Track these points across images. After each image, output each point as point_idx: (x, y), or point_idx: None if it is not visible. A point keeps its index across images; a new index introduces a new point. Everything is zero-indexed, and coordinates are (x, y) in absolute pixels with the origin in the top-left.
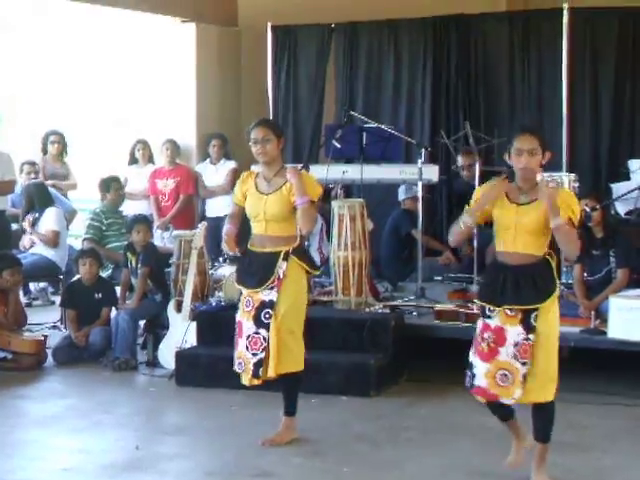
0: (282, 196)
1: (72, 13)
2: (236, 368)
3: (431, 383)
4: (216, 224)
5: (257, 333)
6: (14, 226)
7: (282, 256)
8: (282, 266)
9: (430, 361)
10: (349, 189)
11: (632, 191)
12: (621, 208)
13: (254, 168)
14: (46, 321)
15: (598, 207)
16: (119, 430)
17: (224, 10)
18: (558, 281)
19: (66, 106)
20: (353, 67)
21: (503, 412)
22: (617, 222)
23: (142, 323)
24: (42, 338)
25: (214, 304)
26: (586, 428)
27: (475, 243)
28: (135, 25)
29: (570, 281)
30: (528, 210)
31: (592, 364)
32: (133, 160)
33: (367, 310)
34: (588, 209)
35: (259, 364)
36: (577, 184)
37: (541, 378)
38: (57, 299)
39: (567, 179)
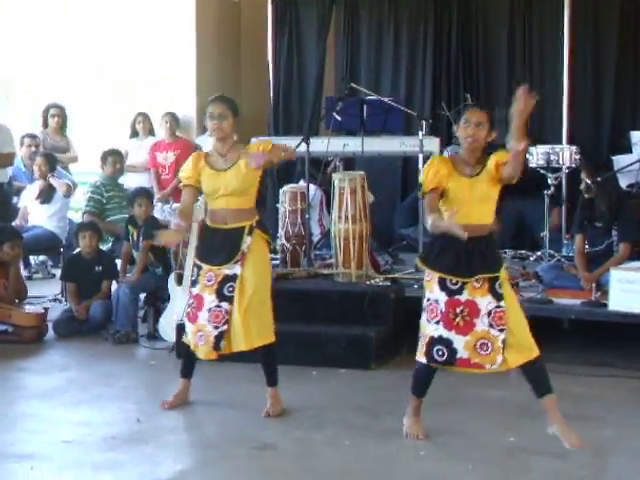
0: (239, 170)
1: None
2: (196, 341)
3: None
4: None
5: (219, 306)
6: (15, 199)
7: (247, 231)
8: (247, 241)
9: None
10: (349, 161)
11: (634, 163)
12: (623, 181)
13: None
14: (47, 294)
15: (599, 179)
16: (120, 403)
17: None
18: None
19: (67, 79)
20: (354, 39)
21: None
22: (622, 195)
23: (143, 296)
24: (43, 311)
25: None
26: (586, 399)
27: None
28: None
29: (571, 253)
30: (479, 181)
31: (593, 336)
32: (134, 133)
33: (368, 283)
34: (589, 181)
35: (220, 337)
36: (579, 156)
37: (523, 339)
38: (57, 272)
39: (568, 151)
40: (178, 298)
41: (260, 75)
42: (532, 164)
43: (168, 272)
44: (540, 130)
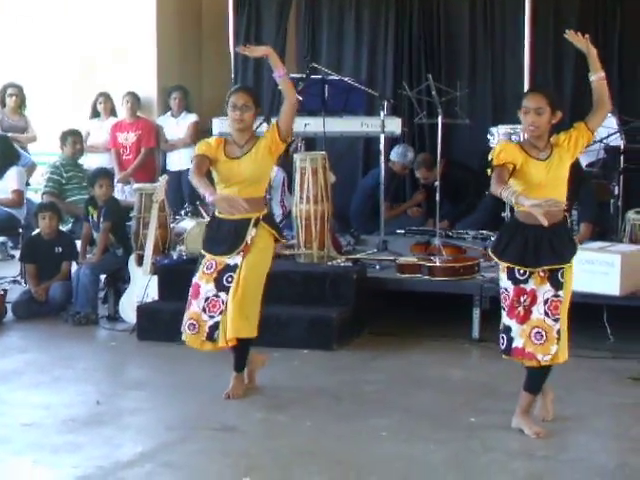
0: (255, 156)
1: None
2: (186, 329)
3: (393, 336)
4: (177, 177)
5: (217, 296)
6: None
7: (252, 222)
8: (251, 232)
9: (392, 314)
10: (311, 142)
11: (594, 143)
12: (583, 160)
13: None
14: (6, 276)
15: None
16: (80, 385)
17: None
18: None
19: (25, 58)
20: (315, 19)
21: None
22: (584, 176)
23: (103, 277)
24: (1, 293)
25: (175, 258)
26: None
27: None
28: None
29: None
30: (553, 164)
31: None
32: (95, 113)
33: (329, 263)
34: None
35: (215, 327)
36: None
37: (563, 336)
38: (17, 253)
39: None
40: (138, 279)
41: (221, 55)
42: (493, 144)
43: (129, 253)
44: (501, 111)
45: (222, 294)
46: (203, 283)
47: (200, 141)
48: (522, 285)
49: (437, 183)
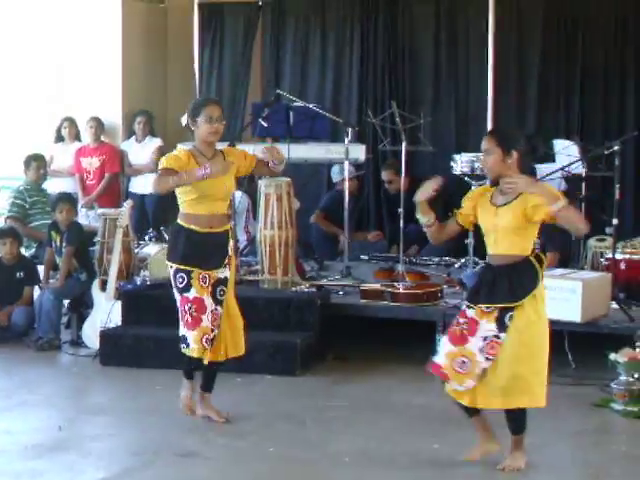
0: (231, 172)
1: None
2: (203, 344)
3: (356, 361)
4: (141, 202)
5: (216, 309)
6: None
7: (229, 234)
8: (230, 244)
9: (356, 340)
10: None
11: (556, 171)
12: None
13: (181, 147)
14: None
15: None
16: (43, 410)
17: None
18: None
19: None
20: (280, 45)
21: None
22: None
23: (66, 302)
24: None
25: (139, 283)
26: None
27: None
28: None
29: None
30: (506, 211)
31: None
32: (59, 138)
33: (293, 289)
34: None
35: (213, 340)
36: None
37: (513, 381)
38: None
39: None
40: (102, 304)
41: (187, 81)
42: (456, 171)
43: (92, 278)
44: (465, 139)
45: (219, 307)
46: (205, 297)
47: (166, 155)
48: (467, 310)
49: (400, 210)
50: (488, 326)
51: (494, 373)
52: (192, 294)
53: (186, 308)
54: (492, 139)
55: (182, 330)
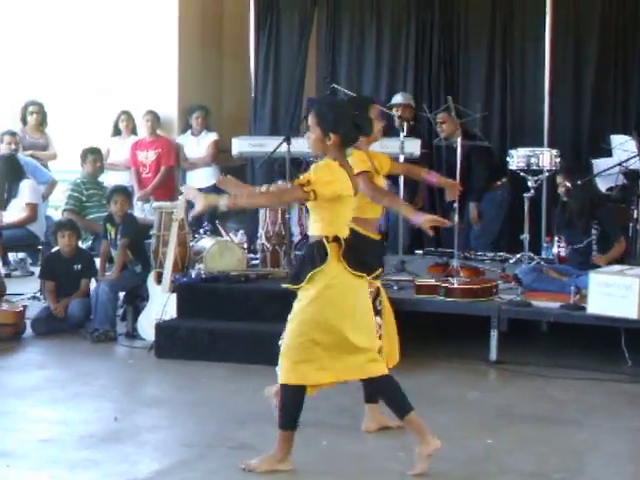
0: None
1: None
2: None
3: (410, 357)
4: None
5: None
6: None
7: None
8: None
9: (409, 335)
10: None
11: (613, 167)
12: (602, 184)
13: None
14: (25, 292)
15: (579, 182)
16: (98, 401)
17: None
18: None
19: (47, 76)
20: (335, 40)
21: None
22: (601, 199)
23: (122, 294)
24: (21, 309)
25: (194, 276)
26: (563, 402)
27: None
28: None
29: (550, 256)
30: None
31: (571, 339)
32: (116, 131)
33: None
34: (569, 184)
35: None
36: (559, 159)
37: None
38: (36, 270)
39: (549, 154)
40: (157, 297)
41: (242, 75)
42: (512, 167)
43: (147, 270)
44: (521, 133)
45: (377, 317)
46: None
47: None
48: None
49: (456, 205)
50: None
51: None
52: None
53: None
54: (314, 115)
55: None
